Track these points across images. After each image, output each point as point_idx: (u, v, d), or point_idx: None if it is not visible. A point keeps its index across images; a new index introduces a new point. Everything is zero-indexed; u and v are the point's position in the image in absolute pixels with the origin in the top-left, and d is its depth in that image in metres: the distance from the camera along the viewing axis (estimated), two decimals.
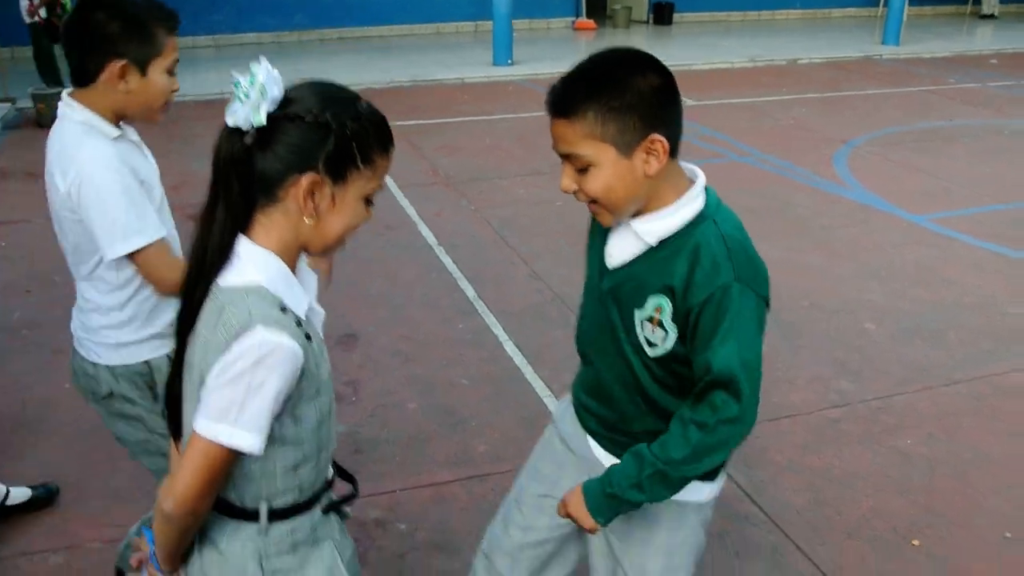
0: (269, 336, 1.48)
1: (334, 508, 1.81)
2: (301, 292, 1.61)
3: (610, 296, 1.93)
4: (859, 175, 8.13)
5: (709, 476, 2.03)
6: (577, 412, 2.19)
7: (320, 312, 1.72)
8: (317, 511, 1.74)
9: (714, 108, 10.86)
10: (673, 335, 1.82)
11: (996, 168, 8.35)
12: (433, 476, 3.75)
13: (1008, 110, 10.89)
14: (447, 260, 6.10)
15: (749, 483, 3.71)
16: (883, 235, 6.68)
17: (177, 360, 1.64)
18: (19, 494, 3.39)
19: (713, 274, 1.75)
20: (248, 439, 1.53)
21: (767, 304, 1.83)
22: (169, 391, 1.68)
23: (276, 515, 1.68)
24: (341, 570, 1.77)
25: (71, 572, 3.18)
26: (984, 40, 17.10)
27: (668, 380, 1.91)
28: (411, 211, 7.08)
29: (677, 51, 14.77)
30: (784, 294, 5.59)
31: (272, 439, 1.58)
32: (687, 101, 11.08)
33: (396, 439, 4.01)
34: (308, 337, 1.56)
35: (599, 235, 2.01)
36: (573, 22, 18.21)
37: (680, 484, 1.87)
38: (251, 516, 1.67)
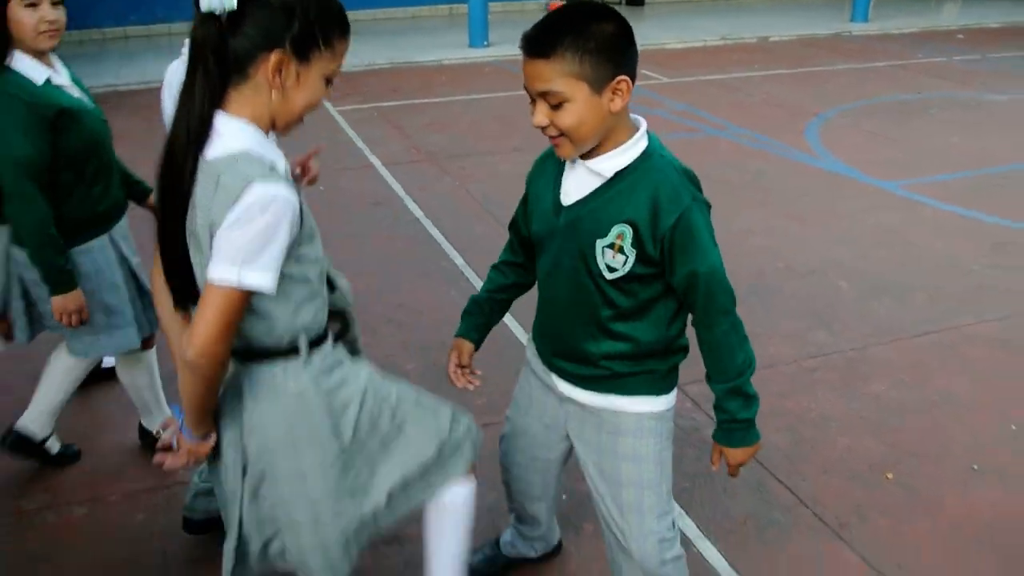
0: (268, 188, 1.72)
1: (339, 338, 2.15)
2: (279, 155, 1.87)
3: (567, 230, 2.16)
4: (830, 146, 8.39)
5: (663, 389, 2.32)
6: (539, 350, 2.47)
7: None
8: (329, 342, 2.05)
9: (688, 85, 11.09)
10: (632, 259, 2.08)
11: (963, 137, 8.64)
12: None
13: (974, 83, 11.19)
14: (435, 232, 6.29)
15: None
16: (853, 201, 6.93)
17: (163, 232, 1.85)
18: (52, 445, 3.57)
19: (676, 200, 2.04)
20: (263, 278, 1.76)
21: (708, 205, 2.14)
22: (168, 258, 1.89)
23: (312, 344, 1.97)
24: (374, 375, 2.13)
25: (94, 523, 3.35)
26: (951, 16, 17.42)
27: (619, 300, 2.16)
28: (397, 187, 7.25)
29: (650, 31, 14.98)
30: (760, 258, 5.84)
31: (283, 278, 1.82)
32: (661, 79, 11.33)
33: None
34: (296, 189, 1.82)
35: (547, 176, 2.26)
36: (547, 4, 18.38)
37: (754, 369, 2.24)
38: (290, 353, 1.93)
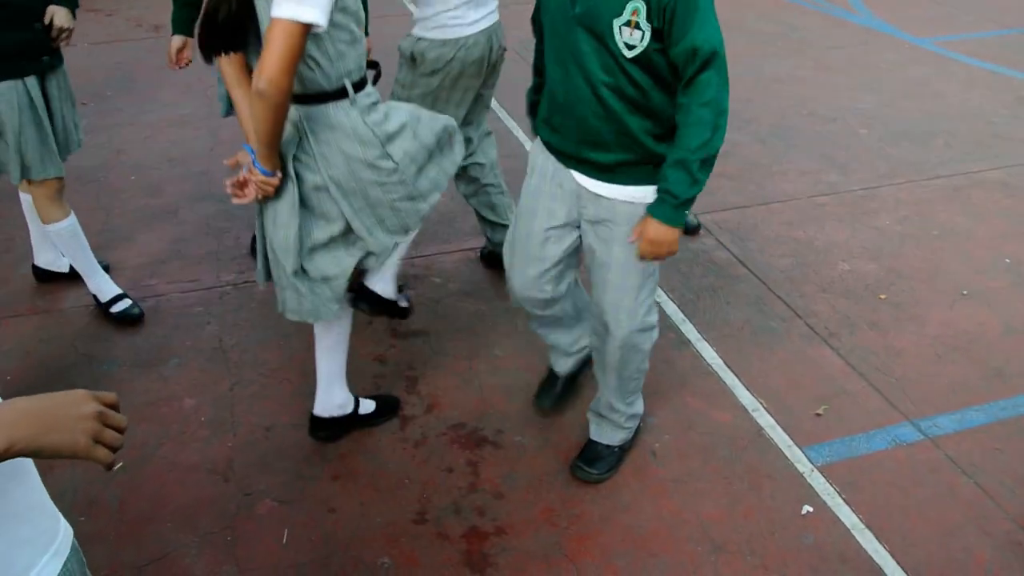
0: None
1: (375, 81, 2.51)
2: None
3: (583, 17, 2.28)
4: (869, 2, 8.36)
5: (650, 179, 2.44)
6: (553, 151, 2.57)
7: None
8: (370, 85, 2.42)
9: None
10: (648, 33, 2.21)
11: None
12: (461, 243, 4.28)
13: None
14: None
15: (741, 252, 4.22)
16: (885, 55, 7.00)
17: None
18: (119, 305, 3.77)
19: None
20: (315, 13, 2.06)
21: None
22: (208, 14, 2.24)
23: (356, 87, 2.33)
24: (416, 111, 2.52)
25: (156, 312, 3.73)
26: None
27: (641, 82, 2.29)
28: None
29: None
30: (785, 103, 6.01)
31: (330, 26, 2.14)
32: None
33: (429, 217, 4.50)
34: None
35: None
36: None
37: (713, 161, 2.29)
38: (339, 94, 2.31)
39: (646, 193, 2.44)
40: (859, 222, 4.53)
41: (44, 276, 3.92)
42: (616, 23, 2.22)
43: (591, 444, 2.98)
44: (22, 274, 3.98)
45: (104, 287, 3.66)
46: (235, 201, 2.45)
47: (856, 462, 3.01)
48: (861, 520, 2.78)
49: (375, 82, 2.53)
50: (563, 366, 3.19)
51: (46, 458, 1.12)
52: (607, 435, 2.95)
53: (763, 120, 5.75)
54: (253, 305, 3.77)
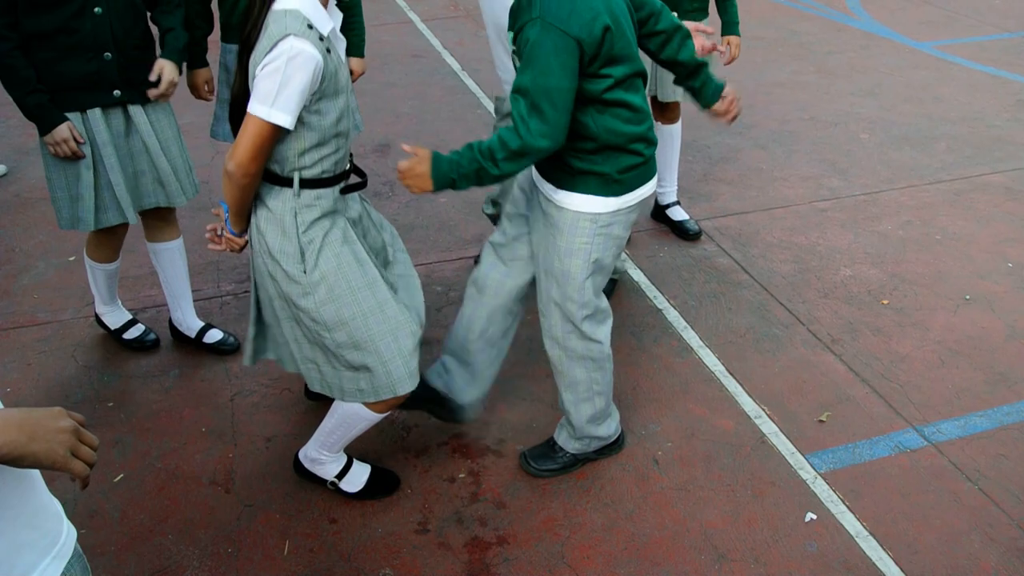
0: (297, 43, 2.11)
1: (351, 189, 2.49)
2: (326, 18, 2.22)
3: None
4: (868, 6, 8.36)
5: (607, 191, 2.51)
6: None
7: (342, 40, 2.37)
8: (337, 189, 2.42)
9: None
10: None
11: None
12: (461, 252, 4.27)
13: None
14: (470, 82, 6.49)
15: (743, 258, 4.21)
16: (885, 60, 7.00)
17: (241, 70, 2.29)
18: (211, 336, 3.60)
19: (527, 11, 2.31)
20: (283, 117, 2.17)
21: (581, 43, 2.26)
22: (234, 99, 2.35)
23: (306, 184, 2.35)
24: (350, 234, 2.46)
25: (157, 323, 3.72)
26: None
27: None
28: (435, 41, 7.41)
29: None
30: (785, 108, 6.00)
31: (301, 123, 2.23)
32: None
33: (429, 224, 4.52)
34: (328, 51, 2.19)
35: None
36: None
37: (487, 178, 2.34)
38: (288, 183, 2.35)
39: (574, 200, 2.53)
40: (861, 227, 4.52)
41: (177, 336, 3.63)
42: (510, 48, 2.47)
43: (548, 440, 3.01)
44: (22, 285, 3.98)
45: (115, 313, 3.57)
46: (211, 247, 2.57)
47: (860, 469, 3.00)
48: (865, 527, 2.77)
49: (349, 191, 2.49)
50: (436, 381, 3.01)
51: (25, 467, 1.16)
52: (563, 437, 2.96)
53: (764, 125, 5.75)
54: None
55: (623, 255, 3.92)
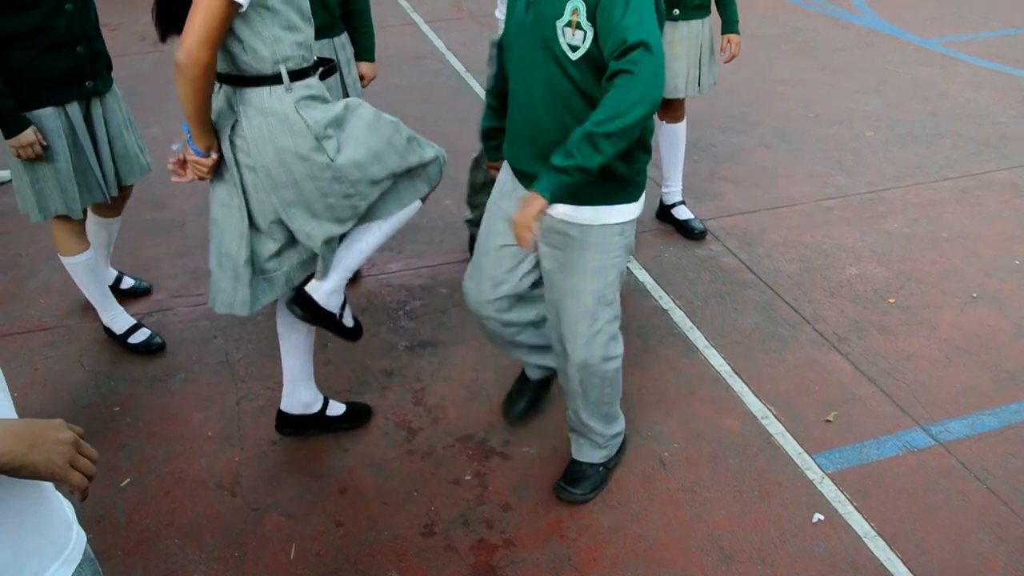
0: None
1: (328, 74, 2.44)
2: None
3: (534, 24, 2.28)
4: (873, 3, 8.34)
5: (629, 197, 2.44)
6: (514, 161, 2.54)
7: None
8: (313, 78, 2.37)
9: None
10: (591, 33, 2.20)
11: None
12: (467, 254, 4.26)
13: None
14: (474, 84, 6.49)
15: (749, 258, 4.20)
16: (890, 57, 6.98)
17: None
18: (126, 282, 3.94)
19: None
20: None
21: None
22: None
23: (293, 76, 2.29)
24: (351, 102, 2.44)
25: (163, 327, 3.73)
26: None
27: (586, 84, 2.27)
28: (439, 43, 7.42)
29: None
30: (789, 105, 5.99)
31: (261, 10, 2.17)
32: None
33: (435, 226, 4.52)
34: None
35: None
36: None
37: (603, 142, 2.11)
38: (275, 80, 2.28)
39: (601, 214, 2.42)
40: (867, 225, 4.50)
41: None
42: (559, 24, 2.23)
43: (573, 463, 2.90)
44: (30, 290, 3.99)
45: (120, 319, 3.60)
46: (174, 180, 2.48)
47: (867, 469, 2.99)
48: (873, 528, 2.76)
49: (324, 77, 2.47)
50: (533, 373, 3.16)
51: (25, 476, 1.16)
52: (587, 453, 2.87)
53: (768, 124, 5.73)
54: (259, 318, 3.76)
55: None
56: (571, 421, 2.85)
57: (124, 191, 3.45)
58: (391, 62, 6.90)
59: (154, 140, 5.50)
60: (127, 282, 3.93)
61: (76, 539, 1.39)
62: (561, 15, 2.22)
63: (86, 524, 2.71)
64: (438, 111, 6.00)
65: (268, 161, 2.35)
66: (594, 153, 2.12)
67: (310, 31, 2.35)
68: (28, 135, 2.95)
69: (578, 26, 2.20)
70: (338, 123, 2.39)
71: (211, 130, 2.34)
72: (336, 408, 3.11)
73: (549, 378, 3.19)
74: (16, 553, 1.25)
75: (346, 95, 3.57)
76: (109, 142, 3.24)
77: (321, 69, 2.43)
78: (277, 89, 2.29)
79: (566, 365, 2.65)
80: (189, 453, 3.06)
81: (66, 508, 1.38)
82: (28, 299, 3.94)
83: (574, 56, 2.24)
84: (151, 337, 3.59)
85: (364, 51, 3.61)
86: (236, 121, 2.35)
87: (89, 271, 3.44)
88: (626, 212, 2.46)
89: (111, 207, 3.50)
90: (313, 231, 2.48)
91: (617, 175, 2.37)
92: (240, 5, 2.13)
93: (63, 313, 3.83)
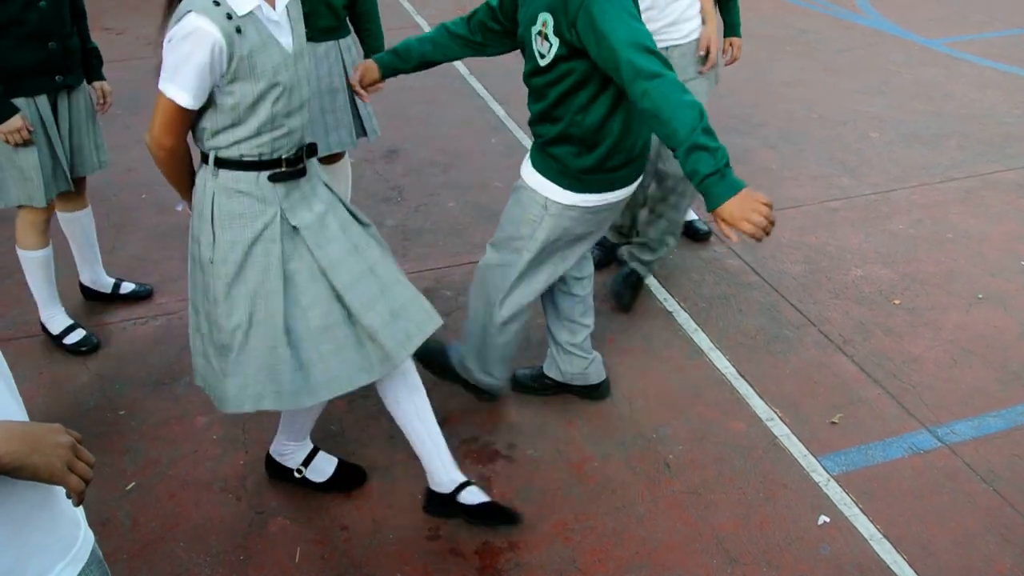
0: (195, 20, 2.04)
1: (280, 178, 2.30)
2: (246, 1, 2.11)
3: (526, 30, 2.43)
4: (876, 3, 8.33)
5: (564, 183, 2.58)
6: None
7: (284, 25, 2.23)
8: (262, 174, 2.28)
9: None
10: (555, 46, 2.33)
11: None
12: (471, 256, 4.26)
13: None
14: (478, 86, 6.49)
15: (753, 259, 4.20)
16: (894, 57, 6.97)
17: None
18: (126, 287, 3.96)
19: None
20: (181, 95, 2.11)
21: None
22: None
23: (224, 164, 2.27)
24: (277, 232, 2.30)
25: (168, 331, 3.74)
26: None
27: (541, 99, 2.51)
28: None
29: None
30: (793, 106, 5.98)
31: (213, 103, 2.17)
32: None
33: (438, 229, 4.52)
34: (239, 30, 2.09)
35: None
36: None
37: (705, 139, 2.06)
38: (205, 159, 2.30)
39: (532, 177, 2.66)
40: (872, 226, 4.50)
41: (91, 294, 3.93)
42: (533, 31, 2.37)
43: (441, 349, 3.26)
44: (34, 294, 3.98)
45: (57, 318, 3.65)
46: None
47: (873, 471, 2.98)
48: (879, 530, 2.75)
49: (282, 179, 2.31)
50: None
51: (24, 478, 1.19)
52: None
53: (772, 125, 5.73)
54: None
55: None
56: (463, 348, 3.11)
57: (79, 182, 3.52)
58: None
59: None
60: (127, 287, 3.95)
61: (83, 538, 1.41)
62: (534, 23, 2.36)
63: (91, 526, 2.71)
64: (441, 113, 6.00)
65: (195, 222, 2.37)
66: (710, 155, 2.06)
67: (277, 134, 2.26)
68: (16, 121, 3.06)
69: (545, 37, 2.33)
70: (240, 234, 2.29)
71: (188, 192, 2.41)
72: (321, 469, 2.91)
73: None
74: (22, 551, 1.27)
75: (352, 97, 3.57)
76: (69, 134, 3.34)
77: (276, 171, 2.31)
78: (204, 168, 2.31)
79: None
80: (194, 456, 3.06)
81: (74, 507, 1.40)
82: (32, 304, 3.93)
83: (542, 62, 2.41)
84: (87, 337, 3.63)
85: (372, 52, 3.62)
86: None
87: (43, 267, 3.52)
88: (554, 192, 2.61)
89: (73, 199, 3.57)
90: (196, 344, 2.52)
91: (559, 159, 2.57)
92: (190, 109, 2.16)
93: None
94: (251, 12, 2.13)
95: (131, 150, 5.43)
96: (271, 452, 2.91)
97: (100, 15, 8.24)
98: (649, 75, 2.09)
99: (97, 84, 3.44)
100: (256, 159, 2.27)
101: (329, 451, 2.97)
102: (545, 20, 2.29)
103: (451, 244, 4.38)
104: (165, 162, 2.28)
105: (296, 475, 2.86)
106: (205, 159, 2.30)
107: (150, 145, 2.24)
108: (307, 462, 2.88)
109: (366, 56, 3.65)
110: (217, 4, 2.06)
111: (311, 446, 2.90)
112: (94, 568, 1.42)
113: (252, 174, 2.28)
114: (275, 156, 2.29)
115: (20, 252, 3.46)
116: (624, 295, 3.81)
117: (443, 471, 2.67)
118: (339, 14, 3.43)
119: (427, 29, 7.81)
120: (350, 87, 3.55)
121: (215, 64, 2.09)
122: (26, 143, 3.12)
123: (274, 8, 2.20)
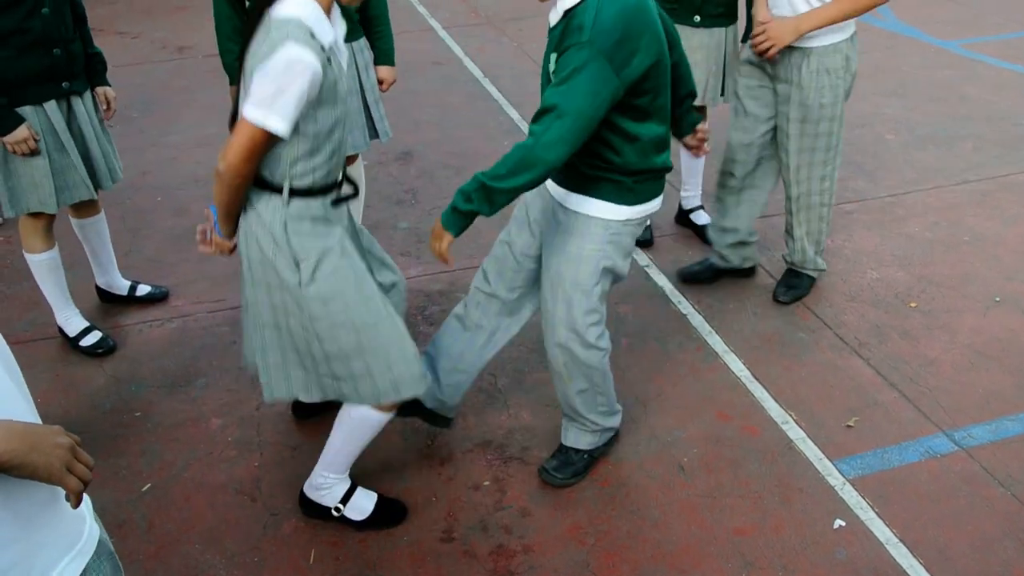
0: (298, 51, 2.06)
1: (342, 201, 2.44)
2: (329, 29, 2.18)
3: (544, 71, 2.50)
4: (892, 5, 8.27)
5: (619, 199, 2.53)
6: None
7: (344, 51, 2.32)
8: (328, 199, 2.37)
9: None
10: None
11: None
12: (484, 258, 4.25)
13: None
14: (492, 89, 6.50)
15: (768, 262, 4.18)
16: (910, 59, 6.94)
17: (239, 66, 2.25)
18: (142, 289, 3.98)
19: (577, 34, 2.28)
20: (278, 123, 2.12)
21: (624, 80, 2.29)
22: (235, 102, 2.33)
23: (296, 193, 2.30)
24: (347, 245, 2.40)
25: (184, 333, 3.75)
26: None
27: None
28: (456, 48, 7.43)
29: None
30: None
31: (296, 130, 2.19)
32: None
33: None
34: (328, 60, 2.16)
35: None
36: None
37: (498, 196, 2.31)
38: (279, 190, 2.30)
39: (584, 204, 2.55)
40: (888, 229, 4.48)
41: (107, 297, 3.95)
42: (549, 70, 2.45)
43: (561, 448, 2.99)
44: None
45: (73, 320, 3.66)
46: (201, 249, 2.52)
47: (889, 474, 2.96)
48: (895, 534, 2.73)
49: (344, 201, 2.45)
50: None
51: (23, 476, 1.21)
52: (573, 438, 2.95)
53: None
54: None
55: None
56: (562, 405, 2.91)
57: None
58: (408, 67, 6.91)
59: (173, 147, 5.56)
60: (143, 289, 3.97)
61: (89, 532, 1.43)
62: (549, 59, 2.43)
63: (107, 528, 2.72)
64: (455, 116, 6.01)
65: (251, 259, 2.38)
66: (487, 204, 2.32)
67: (337, 155, 2.35)
68: (22, 131, 3.07)
69: (555, 72, 2.38)
70: (322, 255, 2.36)
71: (236, 222, 2.41)
72: (360, 506, 2.81)
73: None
74: (27, 546, 1.29)
75: (364, 99, 3.58)
76: (83, 140, 3.34)
77: (335, 195, 2.41)
78: (276, 199, 2.30)
79: (549, 344, 2.74)
80: (209, 458, 3.07)
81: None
82: (49, 306, 3.96)
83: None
84: (103, 339, 3.65)
85: (383, 55, 3.63)
86: (245, 213, 2.39)
87: (52, 270, 3.53)
88: (611, 211, 2.55)
89: (86, 205, 3.58)
90: (255, 360, 2.55)
91: (613, 178, 2.51)
92: (282, 135, 2.16)
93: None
94: (334, 41, 2.22)
95: (146, 153, 5.46)
96: (305, 490, 2.81)
97: (114, 19, 8.30)
98: (531, 130, 2.29)
99: (100, 90, 3.43)
100: (323, 184, 2.34)
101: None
102: (552, 56, 2.39)
103: (464, 246, 4.38)
104: (238, 189, 2.26)
105: (334, 513, 2.76)
106: (268, 187, 2.30)
107: (224, 172, 2.20)
108: (345, 499, 2.77)
109: (376, 58, 3.66)
110: (313, 36, 2.10)
111: (350, 482, 2.78)
112: (104, 560, 1.44)
113: (318, 200, 2.35)
114: (331, 180, 2.37)
115: (27, 256, 3.48)
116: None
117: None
118: (352, 17, 3.44)
119: (441, 32, 7.86)
120: (362, 89, 3.57)
121: (310, 93, 2.14)
122: (33, 152, 3.13)
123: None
